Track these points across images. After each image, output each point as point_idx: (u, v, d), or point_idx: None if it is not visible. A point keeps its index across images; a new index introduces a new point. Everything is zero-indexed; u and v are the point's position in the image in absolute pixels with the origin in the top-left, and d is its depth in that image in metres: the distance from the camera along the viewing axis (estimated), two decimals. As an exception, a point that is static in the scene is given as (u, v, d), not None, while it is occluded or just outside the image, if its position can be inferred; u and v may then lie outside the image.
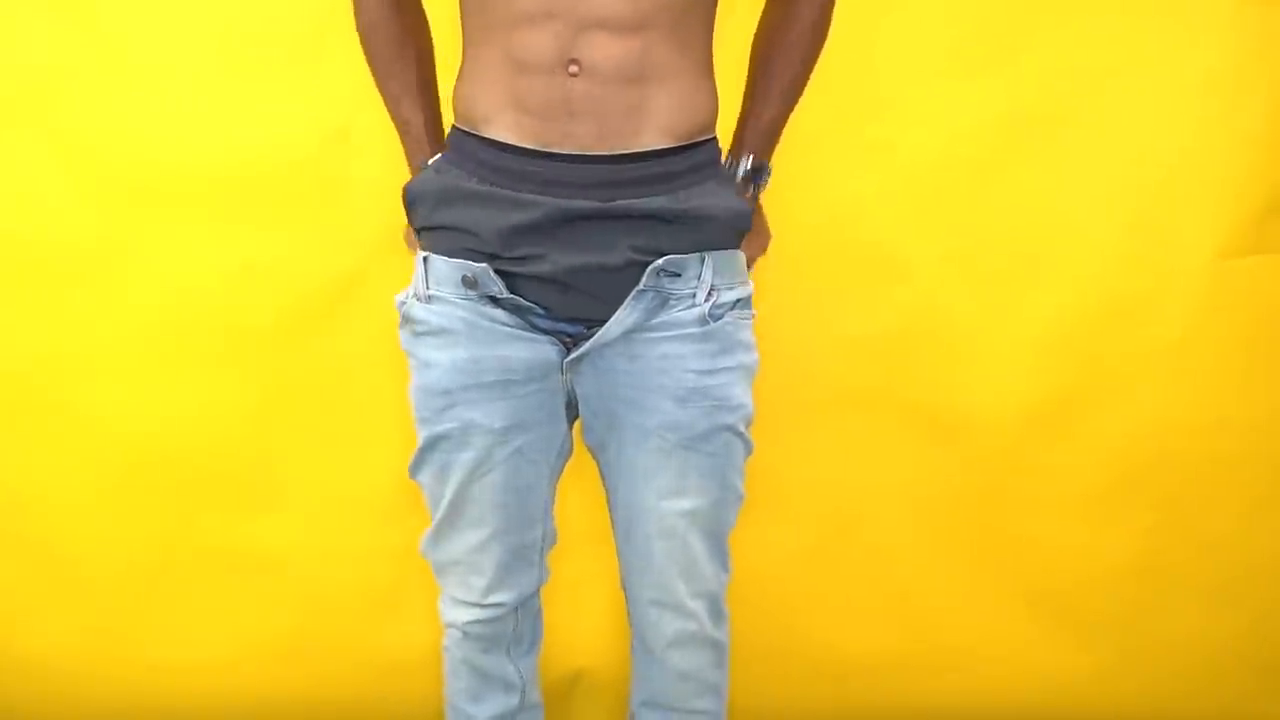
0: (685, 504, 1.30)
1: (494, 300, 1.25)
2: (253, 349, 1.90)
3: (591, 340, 1.25)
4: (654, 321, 1.25)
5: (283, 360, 1.90)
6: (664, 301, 1.25)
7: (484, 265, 1.23)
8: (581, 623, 1.97)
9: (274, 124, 1.83)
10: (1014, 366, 1.93)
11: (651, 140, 1.22)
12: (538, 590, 1.43)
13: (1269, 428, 1.94)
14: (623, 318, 1.24)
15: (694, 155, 1.26)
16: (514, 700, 1.45)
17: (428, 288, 1.27)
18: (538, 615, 1.47)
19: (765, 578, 1.98)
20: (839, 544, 2.00)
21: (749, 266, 1.35)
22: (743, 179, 1.35)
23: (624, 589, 1.41)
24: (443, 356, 1.27)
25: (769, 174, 1.38)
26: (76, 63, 1.81)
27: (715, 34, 1.29)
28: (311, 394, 1.92)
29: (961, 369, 1.93)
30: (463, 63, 1.29)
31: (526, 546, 1.37)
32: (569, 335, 1.27)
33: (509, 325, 1.26)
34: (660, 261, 1.23)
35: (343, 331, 1.90)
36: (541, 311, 1.26)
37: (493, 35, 1.22)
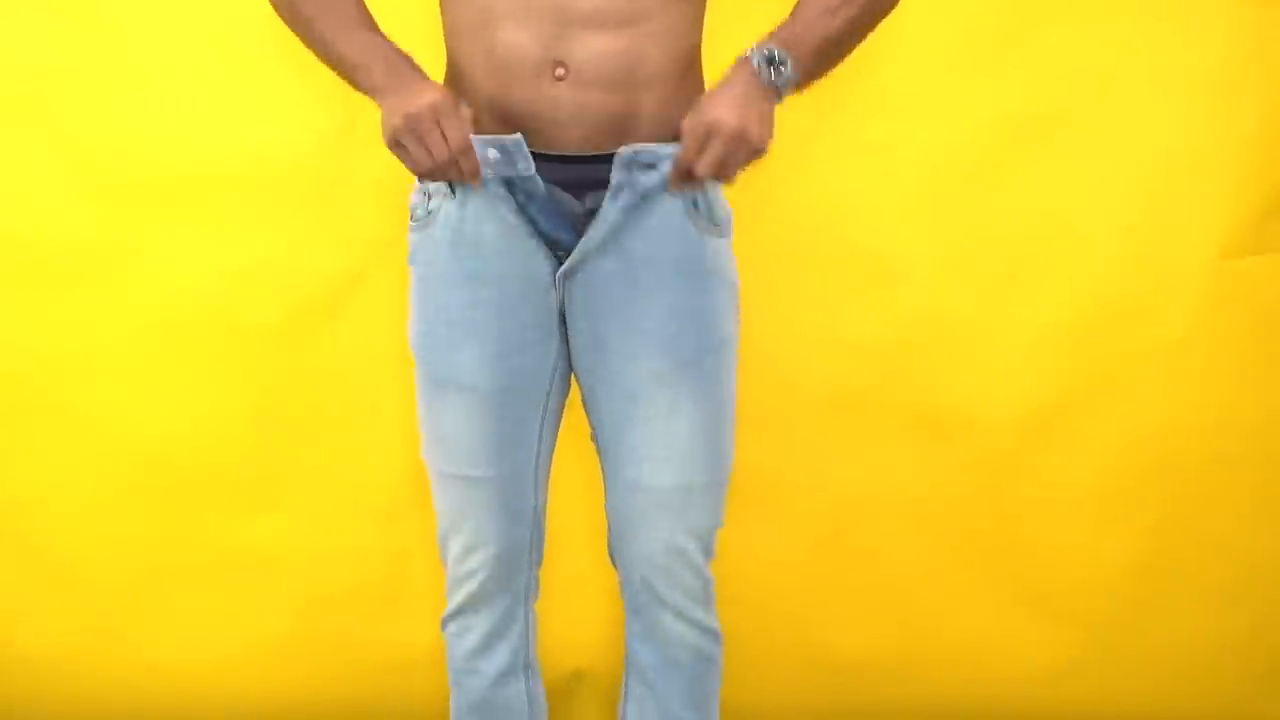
0: (680, 448, 1.29)
1: (509, 186, 1.22)
2: (253, 349, 1.90)
3: (579, 247, 1.23)
4: (638, 223, 1.23)
5: (283, 360, 1.91)
6: (641, 196, 1.22)
7: (517, 136, 1.18)
8: (581, 623, 1.97)
9: (274, 124, 1.83)
10: (1014, 367, 1.93)
11: (640, 141, 1.21)
12: (539, 532, 1.42)
13: (1270, 428, 1.94)
14: (605, 216, 1.22)
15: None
16: (519, 648, 1.45)
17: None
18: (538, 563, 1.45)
19: (765, 578, 1.98)
20: (839, 544, 2.00)
21: (737, 169, 1.19)
22: (756, 63, 1.17)
23: (609, 522, 1.39)
24: (449, 269, 1.26)
25: (787, 74, 1.17)
26: (76, 63, 1.81)
27: (709, 32, 1.28)
28: (311, 394, 1.92)
29: (962, 370, 1.94)
30: (447, 65, 1.28)
31: (520, 474, 1.36)
32: (564, 246, 1.25)
33: (512, 223, 1.23)
34: (627, 151, 1.19)
35: (343, 331, 1.90)
36: (548, 196, 1.22)
37: (473, 34, 1.20)
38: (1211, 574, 1.97)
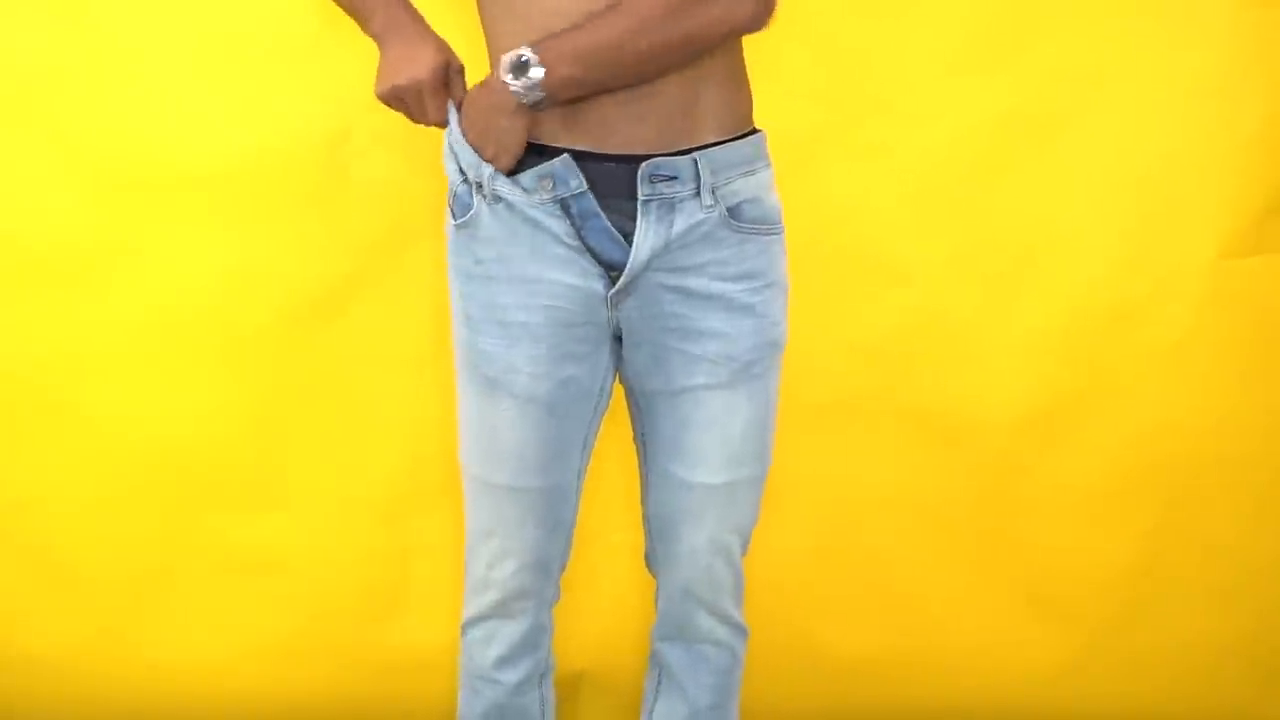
0: (732, 447, 1.31)
1: (562, 205, 1.23)
2: (253, 349, 1.90)
3: (627, 268, 1.24)
4: (678, 235, 1.23)
5: (283, 360, 1.90)
6: (671, 207, 1.23)
7: (564, 156, 1.21)
8: (584, 624, 1.97)
9: (274, 124, 1.83)
10: (1014, 368, 1.93)
11: (683, 141, 1.22)
12: (569, 542, 1.42)
13: (1270, 429, 1.94)
14: (644, 236, 1.23)
15: (741, 148, 1.26)
16: (541, 658, 1.45)
17: (495, 180, 1.24)
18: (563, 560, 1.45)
19: (765, 578, 1.96)
20: (840, 545, 2.00)
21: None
22: (503, 69, 1.17)
23: (650, 525, 1.40)
24: (502, 272, 1.26)
25: (536, 83, 1.15)
26: (76, 63, 1.81)
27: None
28: (311, 394, 1.92)
29: (962, 370, 1.93)
30: (492, 66, 1.27)
31: (562, 486, 1.36)
32: (616, 266, 1.25)
33: (567, 243, 1.24)
34: (645, 166, 1.20)
35: (343, 331, 1.90)
36: (602, 214, 1.23)
37: (519, 41, 1.19)
38: (1212, 575, 1.97)
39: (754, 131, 1.31)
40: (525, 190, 1.23)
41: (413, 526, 1.92)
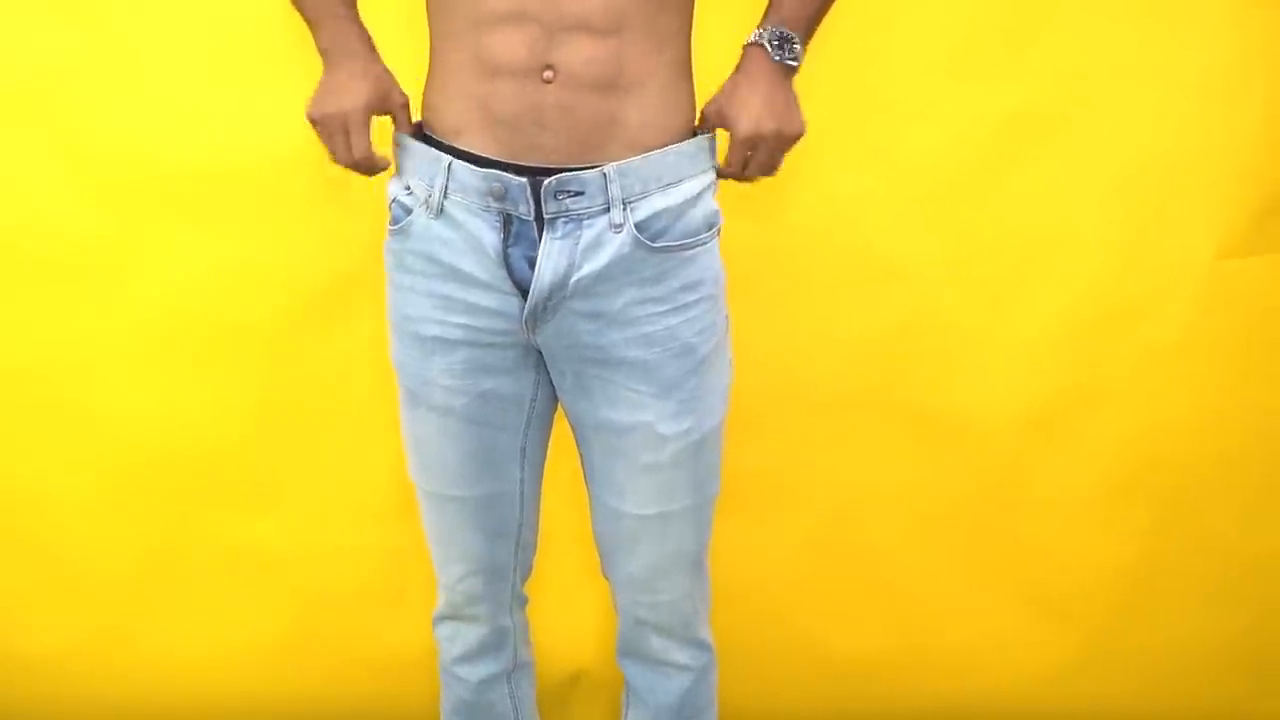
0: (662, 478, 1.27)
1: (505, 219, 1.19)
2: (253, 349, 1.90)
3: (532, 289, 1.20)
4: (585, 253, 1.19)
5: (282, 360, 1.91)
6: (578, 224, 1.19)
7: (522, 180, 1.17)
8: (580, 626, 1.97)
9: (274, 124, 1.83)
10: (1013, 367, 1.93)
11: (620, 154, 1.19)
12: (525, 550, 1.41)
13: (1268, 428, 1.94)
14: (546, 255, 1.18)
15: (664, 158, 1.21)
16: (506, 657, 1.45)
17: (445, 196, 1.20)
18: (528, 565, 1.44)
19: (765, 578, 1.98)
20: (838, 545, 2.00)
21: (768, 167, 1.27)
22: (771, 50, 1.22)
23: (597, 544, 1.38)
24: (421, 285, 1.24)
25: (798, 51, 1.24)
26: (77, 62, 1.81)
27: (698, 32, 1.26)
28: (311, 394, 1.92)
29: (960, 370, 1.94)
30: (430, 67, 1.25)
31: (500, 495, 1.35)
32: (528, 288, 1.22)
33: (491, 258, 1.20)
34: (551, 181, 1.16)
35: (342, 331, 1.90)
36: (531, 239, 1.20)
37: (462, 37, 1.18)
38: (1210, 574, 1.98)
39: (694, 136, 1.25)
40: (478, 198, 1.19)
41: (411, 526, 1.91)
